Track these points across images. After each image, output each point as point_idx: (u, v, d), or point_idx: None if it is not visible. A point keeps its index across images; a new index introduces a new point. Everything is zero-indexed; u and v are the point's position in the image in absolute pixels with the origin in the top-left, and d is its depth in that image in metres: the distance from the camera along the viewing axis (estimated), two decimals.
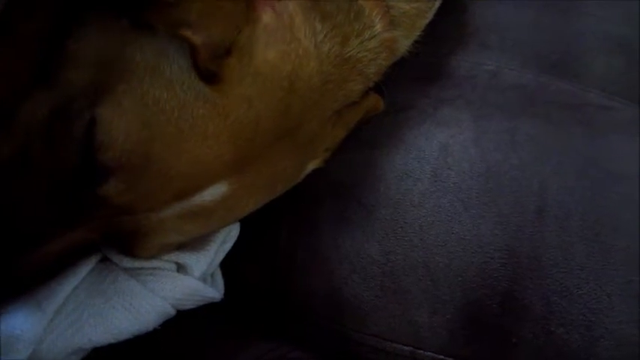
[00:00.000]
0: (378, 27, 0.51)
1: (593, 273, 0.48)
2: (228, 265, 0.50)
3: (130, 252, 0.43)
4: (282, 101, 0.43)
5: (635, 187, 0.52)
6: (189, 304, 0.46)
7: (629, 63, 0.64)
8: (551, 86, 0.61)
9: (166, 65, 0.39)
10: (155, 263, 0.44)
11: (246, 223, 0.50)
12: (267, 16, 0.42)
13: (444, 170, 0.53)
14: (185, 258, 0.45)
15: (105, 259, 0.45)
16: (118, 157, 0.38)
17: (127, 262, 0.44)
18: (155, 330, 0.44)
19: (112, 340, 0.42)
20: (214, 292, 0.47)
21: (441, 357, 0.49)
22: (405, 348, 0.49)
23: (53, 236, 0.40)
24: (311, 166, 0.53)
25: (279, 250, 0.53)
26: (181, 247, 0.46)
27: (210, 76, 0.39)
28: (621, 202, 0.51)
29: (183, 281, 0.45)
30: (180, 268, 0.46)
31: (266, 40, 0.41)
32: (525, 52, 0.63)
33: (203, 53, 0.39)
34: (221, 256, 0.49)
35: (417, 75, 0.61)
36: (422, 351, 0.49)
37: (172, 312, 0.45)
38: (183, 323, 0.46)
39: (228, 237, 0.49)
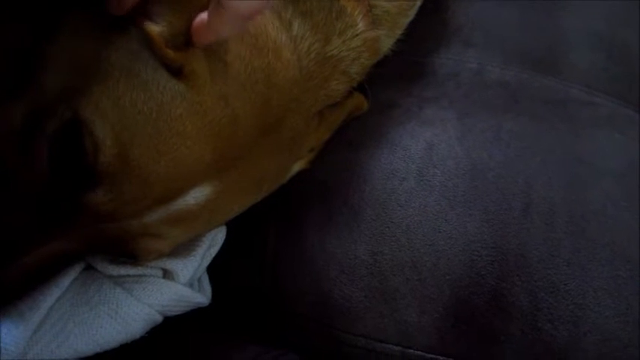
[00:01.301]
0: (361, 26, 0.50)
1: (580, 268, 0.48)
2: (215, 270, 0.49)
3: (129, 257, 0.42)
4: (260, 96, 0.42)
5: (618, 183, 0.53)
6: (176, 311, 0.46)
7: (610, 58, 0.65)
8: (534, 83, 0.61)
9: (141, 66, 0.39)
10: (141, 270, 0.44)
11: (232, 226, 0.49)
12: None
13: (430, 169, 0.53)
14: (171, 264, 0.45)
15: (89, 268, 0.44)
16: (105, 163, 0.37)
17: (112, 270, 0.43)
18: (142, 337, 0.44)
19: (99, 350, 0.41)
20: (202, 297, 0.47)
21: (431, 356, 0.49)
22: (395, 348, 0.49)
23: (33, 247, 0.39)
24: (296, 167, 0.53)
25: (266, 252, 0.53)
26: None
27: (175, 69, 0.39)
28: (606, 198, 0.51)
29: (169, 287, 0.44)
30: (167, 274, 0.45)
31: (233, 37, 0.41)
32: (508, 50, 0.64)
33: (159, 42, 0.38)
34: (208, 260, 0.48)
35: (400, 74, 0.61)
36: (412, 350, 0.49)
37: (159, 319, 0.45)
38: (170, 330, 0.45)
39: (214, 241, 0.48)
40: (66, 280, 0.42)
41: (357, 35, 0.50)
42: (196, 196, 0.41)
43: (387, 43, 0.56)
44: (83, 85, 0.38)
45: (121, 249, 0.42)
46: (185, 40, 0.39)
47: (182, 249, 0.46)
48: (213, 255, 0.48)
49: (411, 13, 0.58)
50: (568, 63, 0.64)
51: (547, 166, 0.53)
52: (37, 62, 0.40)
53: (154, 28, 0.38)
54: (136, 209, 0.40)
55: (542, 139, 0.55)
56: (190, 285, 0.47)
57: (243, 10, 0.34)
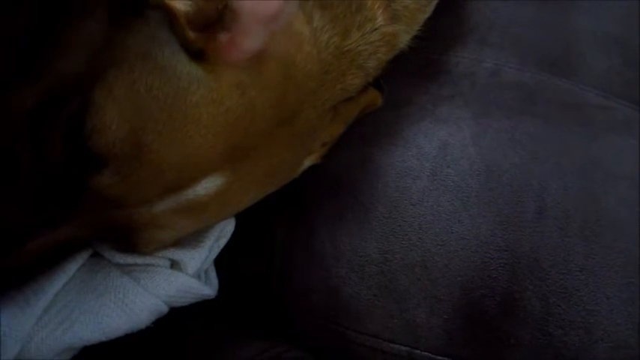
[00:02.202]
0: (380, 20, 0.50)
1: (593, 275, 0.48)
2: (222, 262, 0.49)
3: (130, 246, 0.41)
4: (278, 88, 0.41)
5: (634, 188, 0.52)
6: (182, 302, 0.45)
7: (626, 63, 0.64)
8: (550, 85, 0.61)
9: (158, 50, 0.38)
10: (149, 260, 0.43)
11: (241, 219, 0.49)
12: None
13: (444, 168, 0.52)
14: (179, 254, 0.44)
15: (96, 255, 0.44)
16: (110, 145, 0.37)
17: (120, 258, 0.43)
18: (147, 328, 0.43)
19: (104, 338, 0.41)
20: (208, 289, 0.46)
21: (439, 357, 0.48)
22: (403, 348, 0.49)
23: (40, 233, 0.39)
24: (308, 162, 0.52)
25: (275, 247, 0.52)
26: (176, 243, 0.44)
27: (195, 52, 0.38)
28: (621, 203, 0.51)
29: (177, 278, 0.44)
30: (174, 264, 0.45)
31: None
32: (525, 50, 0.63)
33: (182, 22, 0.37)
34: (215, 252, 0.48)
35: (415, 71, 0.60)
36: (419, 351, 0.48)
37: (165, 309, 0.44)
38: (176, 321, 0.45)
39: (223, 233, 0.48)
40: (73, 266, 0.41)
41: (375, 29, 0.49)
42: (207, 186, 0.41)
43: (404, 39, 0.55)
44: (98, 70, 0.38)
45: (126, 239, 0.41)
46: (207, 23, 0.38)
47: (191, 240, 0.45)
48: (222, 247, 0.48)
49: (429, 10, 0.58)
50: (584, 66, 0.63)
51: (562, 170, 0.52)
52: (50, 46, 0.39)
53: (180, 7, 0.37)
54: (145, 196, 0.39)
55: (557, 142, 0.55)
56: (197, 277, 0.46)
57: (261, 12, 0.34)
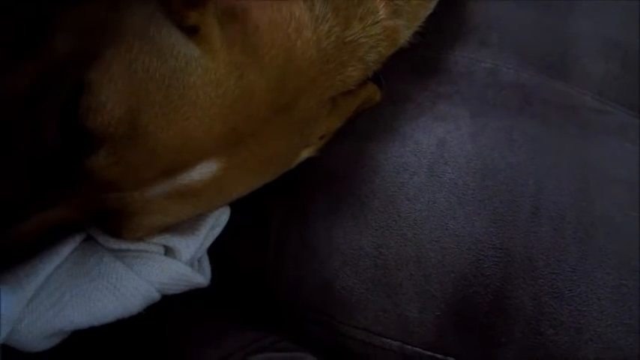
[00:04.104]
0: (382, 13, 0.50)
1: (585, 276, 0.48)
2: (216, 251, 0.48)
3: (116, 233, 0.41)
4: (277, 73, 0.41)
5: (628, 191, 0.52)
6: (175, 289, 0.45)
7: (624, 67, 0.65)
8: (548, 87, 0.61)
9: (155, 30, 0.38)
10: (142, 246, 0.43)
11: (236, 209, 0.48)
12: None
13: (441, 165, 0.52)
14: (174, 241, 0.44)
15: (89, 239, 0.43)
16: (105, 125, 0.36)
17: (113, 243, 0.42)
18: (139, 314, 0.43)
19: (95, 323, 0.40)
20: (201, 277, 0.46)
21: (430, 353, 0.48)
22: (394, 343, 0.49)
23: (33, 214, 0.38)
24: (305, 154, 0.52)
25: (269, 238, 0.52)
26: (170, 230, 0.44)
27: (189, 28, 0.38)
28: (615, 206, 0.51)
29: (170, 265, 0.43)
30: (168, 251, 0.44)
31: (256, 6, 0.40)
32: (524, 52, 0.63)
33: None
34: (210, 241, 0.47)
35: (415, 68, 0.60)
36: (410, 346, 0.48)
37: (157, 296, 0.44)
38: (168, 309, 0.44)
39: (217, 222, 0.47)
40: (66, 249, 0.41)
41: (377, 22, 0.49)
42: (202, 171, 0.40)
43: (405, 35, 0.55)
44: (96, 49, 0.37)
45: (119, 223, 0.41)
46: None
47: (186, 227, 0.45)
48: (216, 236, 0.47)
49: (431, 6, 0.57)
50: (581, 69, 0.63)
51: (558, 171, 0.53)
52: (47, 25, 0.39)
53: None
54: (140, 180, 0.39)
55: (553, 143, 0.55)
56: (191, 265, 0.46)
57: None
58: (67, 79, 0.37)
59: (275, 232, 0.52)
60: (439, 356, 0.48)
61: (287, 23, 0.41)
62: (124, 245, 0.42)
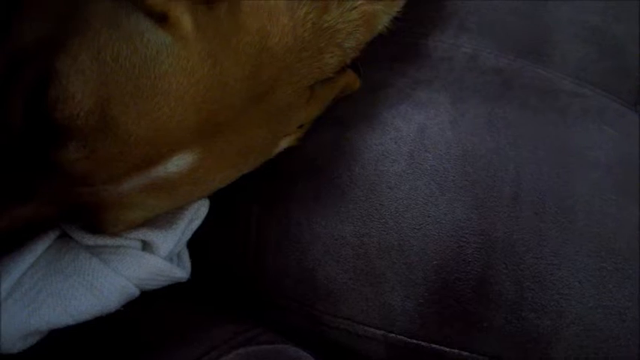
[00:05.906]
0: None
1: (566, 259, 0.48)
2: (196, 244, 0.48)
3: (95, 227, 0.40)
4: (251, 60, 0.40)
5: (607, 175, 0.52)
6: (154, 285, 0.44)
7: (602, 52, 0.65)
8: (527, 71, 0.61)
9: (124, 16, 0.36)
10: (119, 241, 0.42)
11: (215, 200, 0.48)
12: None
13: (421, 152, 0.52)
14: (151, 236, 0.43)
15: (64, 236, 0.42)
16: (74, 117, 0.35)
17: (89, 240, 0.41)
18: (117, 311, 0.42)
19: (71, 322, 0.40)
20: (181, 271, 0.45)
21: (413, 341, 0.48)
22: (377, 332, 0.48)
23: (4, 210, 0.37)
24: (284, 143, 0.51)
25: (249, 229, 0.51)
26: (148, 224, 0.43)
27: (158, 15, 0.37)
28: (594, 190, 0.51)
29: (148, 260, 0.43)
30: (146, 246, 0.44)
31: None
32: (502, 37, 0.63)
33: None
34: (189, 234, 0.47)
35: (394, 54, 0.60)
36: (394, 334, 0.48)
37: (136, 292, 0.43)
38: (147, 304, 0.44)
39: (196, 214, 0.47)
40: (39, 246, 0.40)
41: (355, 8, 0.48)
42: (178, 163, 0.39)
43: (383, 20, 0.54)
44: (62, 36, 0.36)
45: (94, 218, 0.40)
46: None
47: (163, 221, 0.44)
48: (195, 229, 0.47)
49: None
50: (560, 54, 0.63)
51: (537, 156, 0.53)
52: (14, 12, 0.37)
53: None
54: (113, 173, 0.38)
55: (533, 128, 0.55)
56: (170, 259, 0.45)
57: None
58: (30, 67, 0.35)
59: (255, 222, 0.51)
60: (423, 344, 0.48)
61: (262, 9, 0.40)
62: (99, 241, 0.42)
